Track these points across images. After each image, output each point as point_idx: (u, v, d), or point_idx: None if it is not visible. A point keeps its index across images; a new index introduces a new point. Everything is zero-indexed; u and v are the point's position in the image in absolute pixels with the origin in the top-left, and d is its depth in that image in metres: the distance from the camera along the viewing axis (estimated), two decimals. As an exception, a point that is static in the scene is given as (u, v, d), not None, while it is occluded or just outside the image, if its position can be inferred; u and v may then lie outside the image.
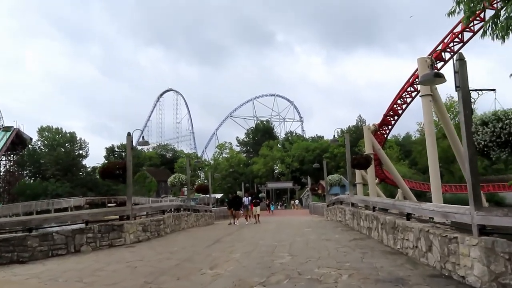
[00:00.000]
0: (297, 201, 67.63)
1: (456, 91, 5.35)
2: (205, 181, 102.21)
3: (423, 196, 40.79)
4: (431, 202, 12.08)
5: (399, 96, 25.75)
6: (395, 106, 26.57)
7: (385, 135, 29.52)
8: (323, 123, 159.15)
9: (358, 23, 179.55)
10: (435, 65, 19.75)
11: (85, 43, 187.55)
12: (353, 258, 7.68)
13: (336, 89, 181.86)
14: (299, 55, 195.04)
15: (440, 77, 5.72)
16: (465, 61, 5.35)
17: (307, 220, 22.37)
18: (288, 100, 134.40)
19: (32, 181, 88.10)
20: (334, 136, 14.74)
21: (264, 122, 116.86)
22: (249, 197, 20.63)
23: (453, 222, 6.60)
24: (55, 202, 55.56)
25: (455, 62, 5.38)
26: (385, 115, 27.43)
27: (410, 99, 25.47)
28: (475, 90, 5.15)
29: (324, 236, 11.54)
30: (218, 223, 26.01)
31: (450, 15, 5.05)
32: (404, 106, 26.41)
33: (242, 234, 13.34)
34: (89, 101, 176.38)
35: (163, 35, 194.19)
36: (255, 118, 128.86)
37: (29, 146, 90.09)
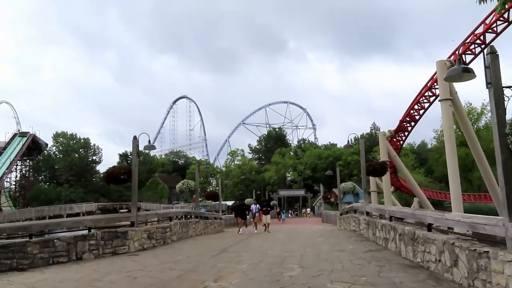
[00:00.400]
0: (308, 209, 66.64)
1: (487, 87, 4.78)
2: (217, 188, 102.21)
3: (440, 205, 39.61)
4: (450, 211, 11.26)
5: (416, 101, 24.86)
6: (411, 111, 25.63)
7: (401, 142, 28.51)
8: (336, 131, 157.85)
9: (371, 30, 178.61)
10: (454, 69, 18.97)
11: (100, 50, 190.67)
12: (369, 272, 7.08)
13: (349, 97, 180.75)
14: (312, 62, 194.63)
15: (469, 72, 5.15)
16: (497, 54, 4.79)
17: (319, 229, 21.69)
18: (301, 108, 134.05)
19: (47, 186, 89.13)
20: (348, 141, 14.15)
21: (277, 129, 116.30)
22: (258, 205, 19.35)
23: (476, 233, 6.01)
24: (68, 207, 55.93)
25: (485, 56, 4.83)
26: (401, 121, 26.46)
27: (428, 104, 24.57)
28: (509, 86, 4.55)
29: (337, 247, 10.92)
30: (228, 230, 25.48)
31: (482, 2, 4.49)
32: (421, 112, 25.46)
33: (250, 243, 12.79)
34: (103, 107, 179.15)
35: (176, 43, 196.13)
36: (267, 125, 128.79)
37: (44, 151, 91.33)
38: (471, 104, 56.35)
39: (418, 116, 25.73)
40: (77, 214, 50.34)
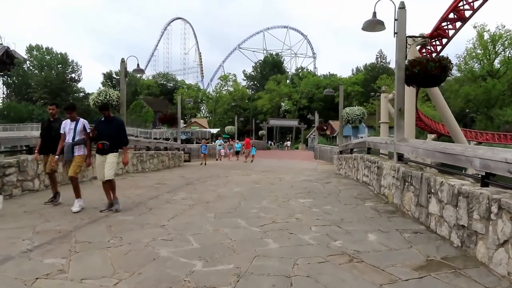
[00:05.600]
0: (288, 143, 61.56)
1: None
2: (207, 115, 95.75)
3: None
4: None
5: (473, -13, 16.52)
6: (461, 4, 17.33)
7: (436, 54, 20.20)
8: (337, 62, 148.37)
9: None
10: None
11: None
12: None
13: (352, 28, 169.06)
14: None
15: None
16: None
17: (309, 172, 15.33)
18: (302, 34, 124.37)
19: (22, 104, 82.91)
20: (374, 13, 7.21)
21: (274, 55, 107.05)
22: (81, 122, 6.22)
23: None
24: (28, 127, 49.52)
25: None
26: (442, 20, 17.98)
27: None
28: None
29: (340, 238, 4.53)
30: (191, 164, 19.39)
31: None
32: (476, 5, 17.22)
33: (157, 213, 6.22)
34: (93, 28, 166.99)
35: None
36: (264, 51, 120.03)
37: (17, 66, 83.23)
38: (504, 26, 47.77)
39: (470, 12, 17.46)
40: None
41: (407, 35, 6.83)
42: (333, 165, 17.43)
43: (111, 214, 5.71)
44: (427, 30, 19.46)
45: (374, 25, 7.25)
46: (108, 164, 5.99)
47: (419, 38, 16.18)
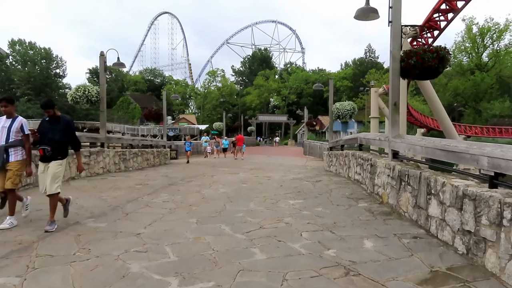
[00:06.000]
0: (277, 139, 61.37)
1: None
2: (195, 111, 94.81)
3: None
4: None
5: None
6: None
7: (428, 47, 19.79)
8: (326, 57, 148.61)
9: None
10: None
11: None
12: None
13: (341, 22, 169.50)
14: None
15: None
16: None
17: (298, 170, 14.96)
18: (290, 29, 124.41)
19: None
20: (367, 1, 6.78)
21: (262, 50, 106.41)
22: (18, 121, 5.02)
23: None
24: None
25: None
26: (434, 11, 17.67)
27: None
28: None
29: (334, 246, 4.09)
30: (177, 162, 18.80)
31: None
32: None
33: (135, 216, 5.77)
34: (78, 22, 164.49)
35: None
36: (253, 46, 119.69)
37: (0, 61, 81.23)
38: (492, 19, 47.96)
39: (463, 3, 17.03)
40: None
41: (402, 25, 6.44)
42: (323, 162, 17.08)
43: (82, 221, 5.20)
44: (417, 23, 19.12)
45: (367, 13, 6.84)
46: (50, 175, 4.83)
47: (411, 28, 15.70)
